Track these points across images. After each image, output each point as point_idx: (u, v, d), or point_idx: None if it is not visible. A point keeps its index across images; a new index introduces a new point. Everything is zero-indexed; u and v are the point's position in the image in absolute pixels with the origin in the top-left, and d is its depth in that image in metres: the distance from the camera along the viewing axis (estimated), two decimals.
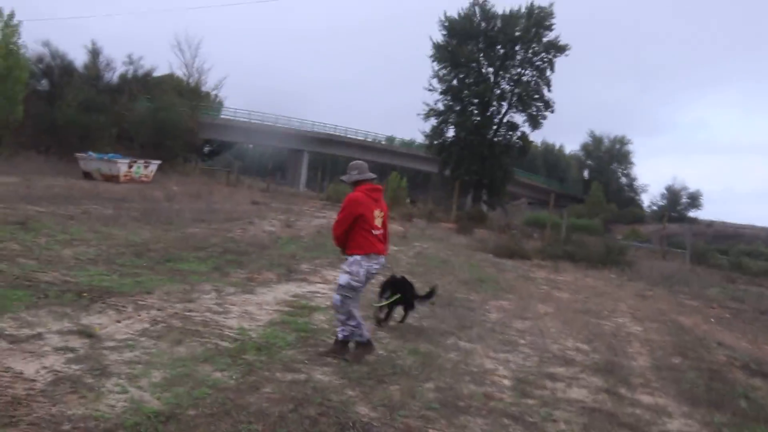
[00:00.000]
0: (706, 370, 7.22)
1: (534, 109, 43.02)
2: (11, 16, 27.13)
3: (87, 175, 25.00)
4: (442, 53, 42.33)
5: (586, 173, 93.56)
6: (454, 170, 42.66)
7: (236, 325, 6.40)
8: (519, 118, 44.03)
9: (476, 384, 5.57)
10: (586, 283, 14.48)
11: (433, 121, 43.83)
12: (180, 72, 41.73)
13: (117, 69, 36.86)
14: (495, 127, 43.59)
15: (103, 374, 4.52)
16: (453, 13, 42.94)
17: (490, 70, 43.58)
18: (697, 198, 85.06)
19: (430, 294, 7.81)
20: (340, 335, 5.77)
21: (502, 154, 43.36)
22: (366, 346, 5.76)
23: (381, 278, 7.50)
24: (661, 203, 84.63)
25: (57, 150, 28.49)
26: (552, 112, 43.11)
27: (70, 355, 4.82)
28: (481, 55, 43.01)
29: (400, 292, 7.28)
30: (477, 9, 42.70)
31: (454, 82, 43.10)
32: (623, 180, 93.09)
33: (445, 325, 7.84)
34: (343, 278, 5.65)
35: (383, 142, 70.17)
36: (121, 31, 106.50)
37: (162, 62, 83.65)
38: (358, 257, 5.62)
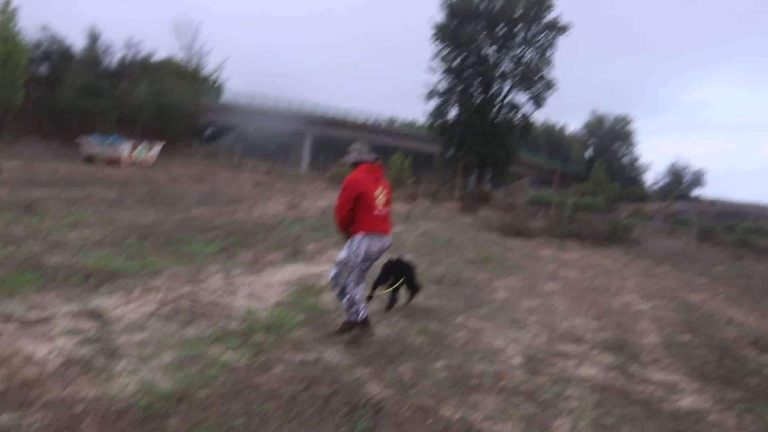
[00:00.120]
0: (716, 347, 7.19)
1: (536, 88, 42.85)
2: (8, 1, 26.95)
3: (89, 159, 24.92)
4: (444, 34, 42.15)
5: (589, 152, 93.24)
6: (457, 151, 42.64)
7: (244, 306, 6.38)
8: (521, 98, 43.92)
9: (486, 362, 5.55)
10: (592, 261, 14.44)
11: (435, 101, 43.72)
12: (180, 56, 41.54)
13: (116, 53, 36.58)
14: (497, 107, 43.49)
15: (113, 356, 4.50)
16: None
17: (492, 50, 43.35)
18: (700, 176, 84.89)
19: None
20: (346, 317, 5.75)
21: (504, 134, 43.25)
22: (362, 325, 5.68)
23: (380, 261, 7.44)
24: (664, 182, 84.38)
25: (58, 134, 28.39)
26: (554, 91, 42.95)
27: (80, 337, 4.80)
28: (482, 35, 42.74)
29: (401, 274, 7.15)
30: None
31: (456, 62, 42.89)
32: (626, 159, 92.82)
33: (453, 304, 7.82)
34: (342, 254, 5.65)
35: (385, 124, 69.80)
36: (120, 15, 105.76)
37: (161, 46, 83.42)
38: (359, 236, 5.59)
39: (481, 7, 42.24)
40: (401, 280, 7.10)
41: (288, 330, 5.70)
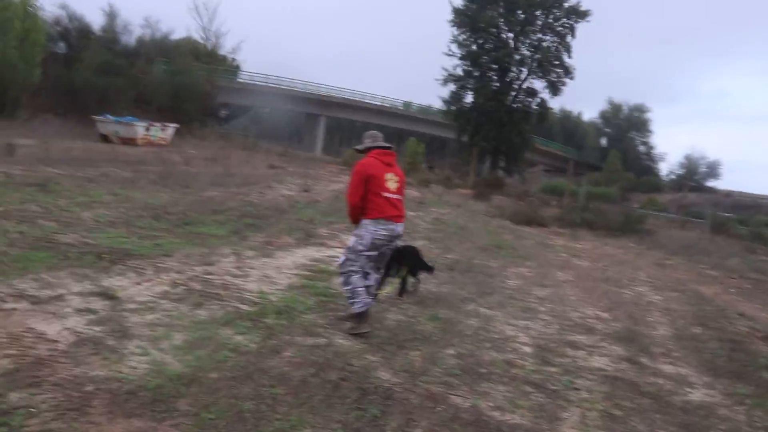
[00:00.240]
0: (727, 341, 7.14)
1: (553, 75, 42.40)
2: None
3: (104, 138, 24.99)
4: (462, 18, 41.71)
5: (603, 141, 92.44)
6: (472, 136, 42.39)
7: (256, 289, 6.39)
8: (538, 84, 43.48)
9: (497, 351, 5.54)
10: (604, 251, 14.37)
11: (452, 86, 43.40)
12: (197, 35, 41.54)
13: (134, 32, 36.64)
14: (514, 93, 43.09)
15: (124, 336, 4.52)
16: None
17: (510, 35, 42.91)
18: (715, 167, 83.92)
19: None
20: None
21: (520, 120, 42.89)
22: (359, 317, 5.46)
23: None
24: (679, 172, 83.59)
25: (74, 113, 28.47)
26: (572, 78, 42.48)
27: (92, 316, 4.83)
28: (501, 20, 42.26)
29: (407, 261, 6.96)
30: None
31: (474, 47, 42.52)
32: (641, 148, 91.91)
33: (465, 291, 7.80)
34: (351, 240, 5.61)
35: (400, 108, 69.40)
36: None
37: (179, 26, 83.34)
38: (366, 221, 5.49)
39: None
40: (408, 268, 7.02)
41: (299, 314, 5.71)
